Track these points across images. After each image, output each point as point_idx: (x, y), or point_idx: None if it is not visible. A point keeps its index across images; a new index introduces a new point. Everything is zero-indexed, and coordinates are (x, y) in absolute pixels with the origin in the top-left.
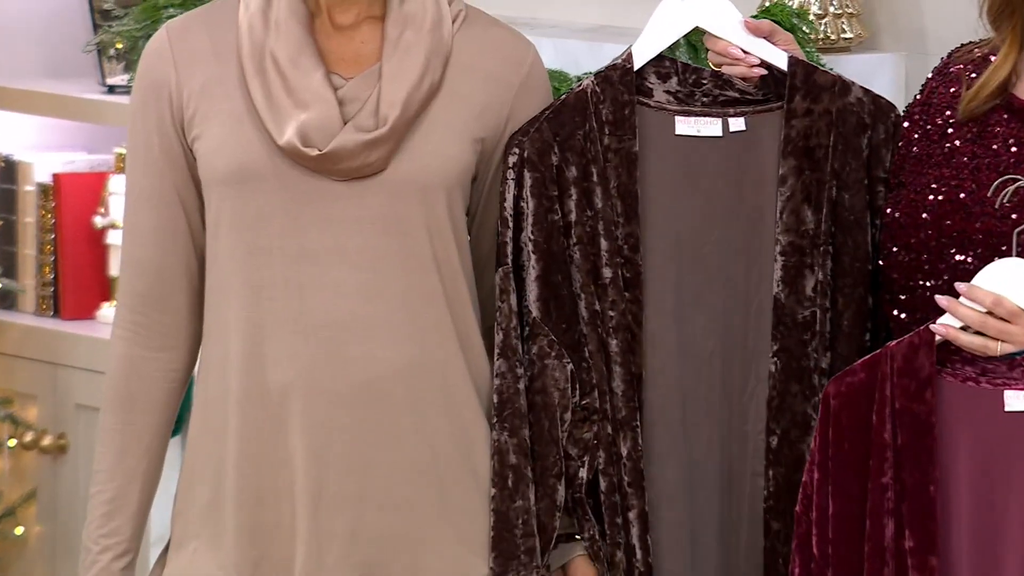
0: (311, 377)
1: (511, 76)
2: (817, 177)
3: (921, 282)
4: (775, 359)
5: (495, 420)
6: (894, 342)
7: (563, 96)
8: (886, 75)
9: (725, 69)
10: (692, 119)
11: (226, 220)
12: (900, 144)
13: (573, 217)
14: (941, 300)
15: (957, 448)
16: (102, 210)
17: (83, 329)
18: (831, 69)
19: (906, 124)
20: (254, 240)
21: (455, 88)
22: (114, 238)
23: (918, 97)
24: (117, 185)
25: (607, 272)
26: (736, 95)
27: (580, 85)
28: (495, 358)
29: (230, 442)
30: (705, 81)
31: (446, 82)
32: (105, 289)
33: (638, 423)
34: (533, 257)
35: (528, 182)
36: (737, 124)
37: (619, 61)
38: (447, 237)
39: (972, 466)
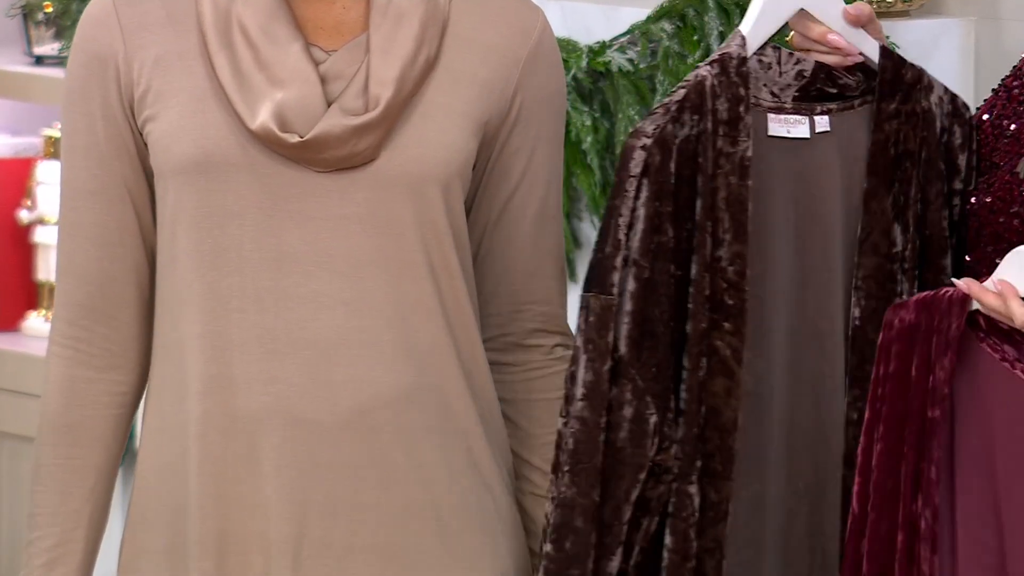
0: (289, 405)
1: (517, 48)
2: (906, 190)
3: None
4: (853, 399)
5: (564, 469)
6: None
7: (682, 89)
8: (952, 43)
9: (818, 58)
10: (783, 117)
11: (186, 217)
12: (990, 120)
13: (681, 236)
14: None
15: (970, 426)
16: (28, 203)
17: (6, 343)
18: (887, 37)
19: (1003, 97)
20: (220, 241)
21: (453, 63)
22: (43, 236)
23: (1016, 68)
24: (46, 173)
25: (708, 301)
26: (833, 90)
27: (697, 76)
28: (576, 398)
29: (191, 480)
30: (807, 73)
31: (442, 56)
32: (32, 296)
33: (731, 477)
34: (633, 285)
35: (644, 194)
36: (823, 124)
37: (733, 47)
38: (445, 239)
39: (981, 448)
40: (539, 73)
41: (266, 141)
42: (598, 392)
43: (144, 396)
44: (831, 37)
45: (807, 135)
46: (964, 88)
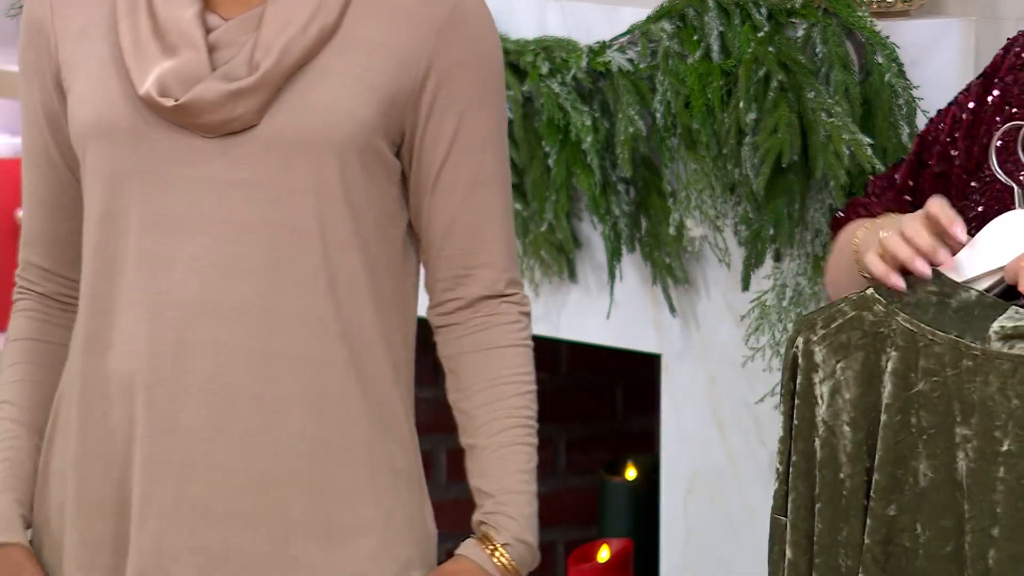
0: (153, 366)
1: (433, 15)
2: None
3: None
4: None
5: None
6: None
7: None
8: (952, 43)
9: None
10: None
11: (89, 182)
12: (969, 128)
13: None
14: None
15: None
16: None
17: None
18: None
19: (991, 99)
20: (109, 204)
21: (355, 31)
22: None
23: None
24: None
25: None
26: None
27: None
28: None
29: (70, 441)
30: None
31: (345, 24)
32: None
33: None
34: None
35: None
36: None
37: None
38: (339, 208)
39: None
40: (459, 38)
41: (149, 106)
42: None
43: None
44: None
45: None
46: None
